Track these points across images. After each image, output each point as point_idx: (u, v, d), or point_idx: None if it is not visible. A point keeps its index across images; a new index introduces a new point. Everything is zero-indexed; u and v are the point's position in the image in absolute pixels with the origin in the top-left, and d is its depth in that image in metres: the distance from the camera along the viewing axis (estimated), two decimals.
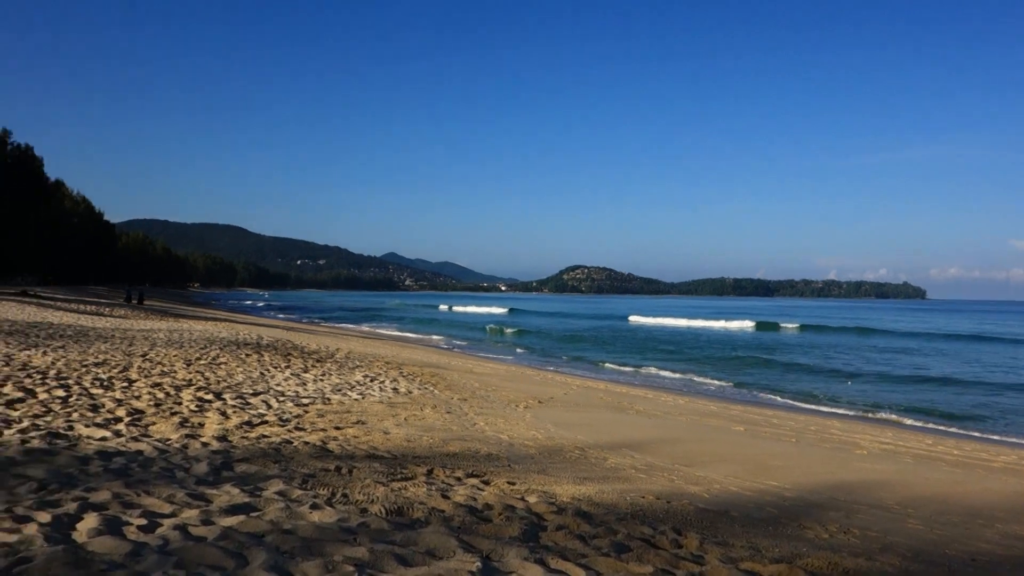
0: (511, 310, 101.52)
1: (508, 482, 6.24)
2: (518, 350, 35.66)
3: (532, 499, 5.62)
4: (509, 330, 52.19)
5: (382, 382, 13.99)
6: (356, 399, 11.37)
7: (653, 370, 26.67)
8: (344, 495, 5.20)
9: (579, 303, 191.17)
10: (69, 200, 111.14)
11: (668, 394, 18.52)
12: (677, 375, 25.41)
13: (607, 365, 28.43)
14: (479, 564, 3.75)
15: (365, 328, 52.88)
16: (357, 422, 9.11)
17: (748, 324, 68.49)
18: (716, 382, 23.63)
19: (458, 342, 40.77)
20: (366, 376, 14.70)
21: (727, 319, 75.71)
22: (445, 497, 5.34)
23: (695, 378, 24.55)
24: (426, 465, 6.69)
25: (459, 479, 6.20)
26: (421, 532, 4.31)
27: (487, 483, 6.13)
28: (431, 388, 13.86)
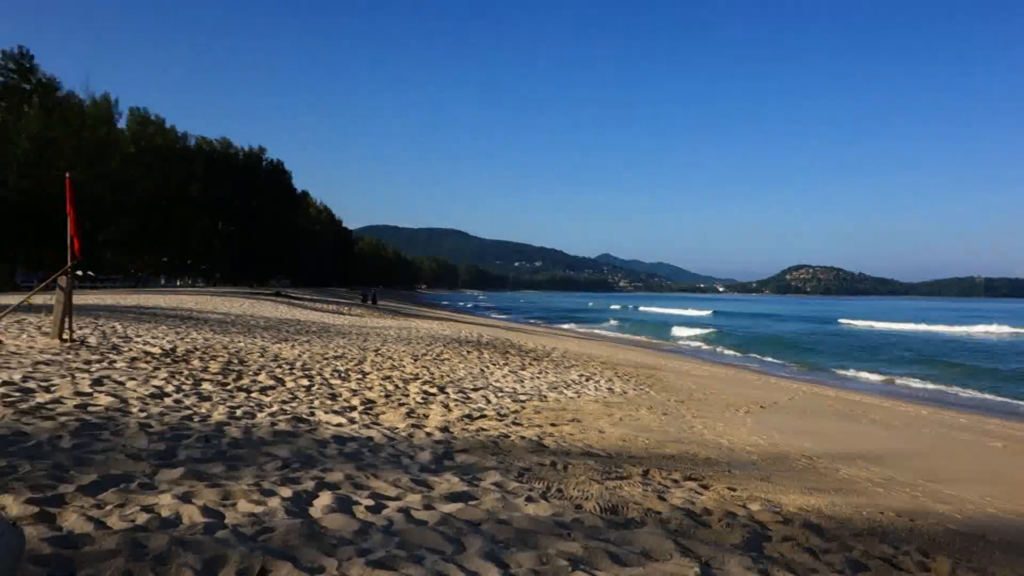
0: (714, 312, 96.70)
1: (728, 488, 5.92)
2: (734, 353, 34.24)
3: (755, 507, 5.28)
4: (710, 332, 50.28)
5: (597, 381, 13.96)
6: (572, 397, 11.42)
7: (891, 378, 24.45)
8: (559, 490, 5.18)
9: (794, 305, 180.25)
10: (314, 209, 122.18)
11: (908, 403, 16.87)
12: (917, 383, 23.12)
13: (839, 372, 26.49)
14: (697, 570, 3.54)
15: (580, 329, 53.39)
16: (572, 420, 9.12)
17: (1004, 330, 60.97)
18: (968, 392, 21.21)
19: (669, 344, 39.95)
20: (581, 375, 14.75)
21: (972, 323, 67.98)
22: (661, 499, 5.16)
23: (941, 387, 22.19)
24: (642, 466, 6.52)
25: (676, 481, 5.97)
26: (636, 532, 4.17)
27: (706, 487, 5.86)
28: (646, 389, 13.62)
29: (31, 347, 10.44)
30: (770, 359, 31.09)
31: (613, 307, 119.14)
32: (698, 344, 40.26)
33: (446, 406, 9.13)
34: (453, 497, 4.65)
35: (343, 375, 11.15)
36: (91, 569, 2.98)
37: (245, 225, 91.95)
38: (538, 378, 13.52)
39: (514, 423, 8.42)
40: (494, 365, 14.98)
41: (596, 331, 50.52)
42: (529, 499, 4.75)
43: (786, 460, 7.81)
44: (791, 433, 9.94)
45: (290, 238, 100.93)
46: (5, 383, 7.35)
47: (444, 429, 7.49)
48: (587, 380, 13.98)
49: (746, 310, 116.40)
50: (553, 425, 8.54)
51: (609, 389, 12.91)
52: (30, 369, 8.42)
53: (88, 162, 67.74)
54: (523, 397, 10.84)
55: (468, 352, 17.23)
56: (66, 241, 11.49)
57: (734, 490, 5.85)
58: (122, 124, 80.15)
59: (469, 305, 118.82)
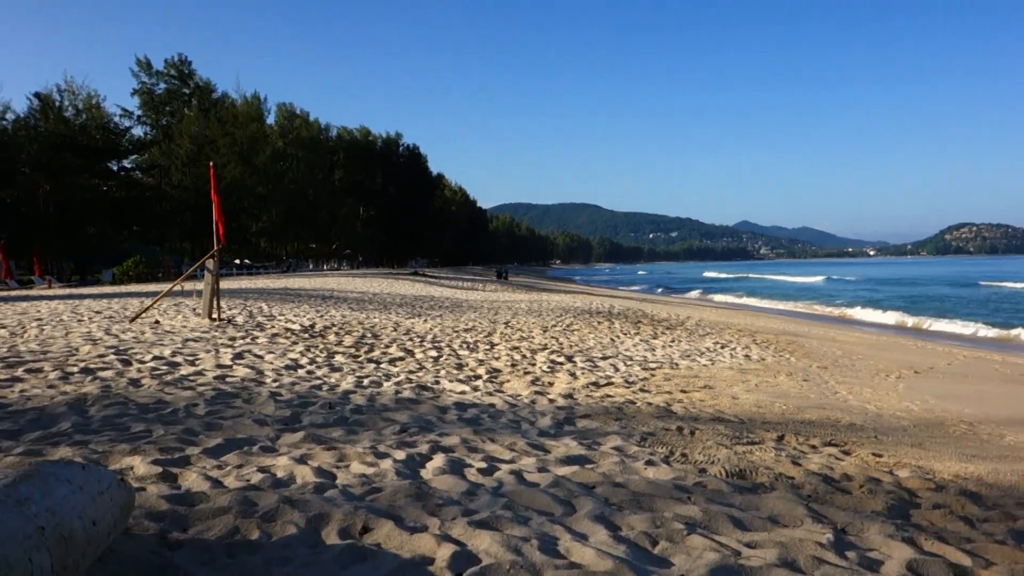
0: (827, 279, 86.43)
1: (873, 453, 5.44)
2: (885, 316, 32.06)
3: (903, 473, 4.81)
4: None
5: (733, 348, 13.39)
6: (705, 365, 10.99)
7: None
8: (683, 455, 4.92)
9: (953, 266, 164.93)
10: (449, 190, 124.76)
11: None
12: None
13: (1011, 333, 24.21)
14: (830, 536, 3.22)
15: (714, 298, 51.78)
16: (704, 387, 8.75)
17: None
18: None
19: (804, 311, 37.91)
20: (716, 343, 14.21)
21: None
22: (795, 464, 4.79)
23: None
24: (776, 431, 6.12)
25: (814, 447, 5.56)
26: (764, 497, 3.87)
27: (847, 453, 5.41)
28: (787, 355, 12.93)
29: (184, 326, 11.15)
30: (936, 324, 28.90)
31: (749, 276, 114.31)
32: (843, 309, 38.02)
33: (572, 374, 8.98)
34: (569, 460, 4.50)
35: (471, 346, 11.23)
36: (202, 525, 3.04)
37: (385, 209, 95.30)
38: (670, 347, 13.12)
39: (642, 390, 8.16)
40: (625, 335, 14.68)
41: (729, 299, 48.80)
42: (649, 463, 4.53)
43: (942, 426, 7.14)
44: (949, 398, 9.12)
45: (427, 220, 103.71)
46: (156, 358, 7.85)
47: (568, 396, 7.35)
48: (722, 348, 13.44)
49: (894, 275, 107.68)
50: (683, 392, 8.21)
51: (746, 356, 12.34)
52: (180, 345, 8.97)
53: (241, 157, 72.18)
54: (653, 365, 10.53)
55: (599, 323, 17.00)
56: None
57: (880, 456, 5.37)
58: (270, 120, 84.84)
59: (602, 278, 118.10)
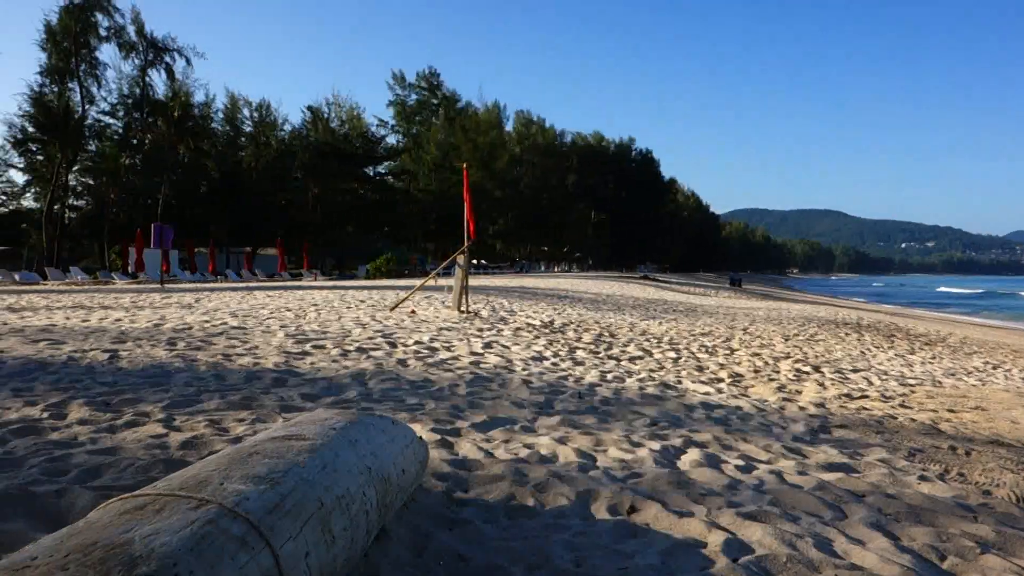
0: None
1: None
2: None
3: None
4: None
5: (1008, 370, 11.97)
6: (974, 384, 9.94)
7: None
8: (960, 474, 4.51)
9: None
10: (681, 195, 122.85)
11: None
12: None
13: None
14: None
15: (976, 318, 46.34)
16: (976, 407, 7.92)
17: None
18: None
19: None
20: (986, 363, 12.78)
21: None
22: None
23: None
24: None
25: None
26: None
27: None
28: None
29: (436, 316, 11.99)
30: None
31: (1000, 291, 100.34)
32: None
33: (821, 384, 8.52)
34: (830, 467, 4.30)
35: (710, 350, 11.01)
36: (481, 488, 3.29)
37: (615, 214, 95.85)
38: (930, 363, 12.00)
39: (902, 406, 7.56)
40: (876, 348, 13.64)
41: (998, 320, 43.39)
42: (923, 478, 4.21)
43: None
44: None
45: (657, 225, 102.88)
46: (416, 343, 8.54)
47: (819, 405, 6.99)
48: (994, 368, 12.05)
49: None
50: (951, 411, 7.49)
51: None
52: (435, 333, 9.67)
53: (481, 163, 76.00)
54: (912, 381, 9.69)
55: (846, 334, 15.93)
56: (463, 227, 12.99)
57: None
58: (509, 127, 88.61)
59: (847, 289, 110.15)
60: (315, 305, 13.20)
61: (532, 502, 3.14)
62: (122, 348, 7.12)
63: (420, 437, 3.03)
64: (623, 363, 8.83)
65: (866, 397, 7.90)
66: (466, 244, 12.97)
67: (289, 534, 1.72)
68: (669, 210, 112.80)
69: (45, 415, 4.25)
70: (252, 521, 1.63)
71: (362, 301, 14.69)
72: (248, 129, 71.94)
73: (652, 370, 8.43)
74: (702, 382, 7.85)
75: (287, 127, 73.17)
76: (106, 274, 40.51)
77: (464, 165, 13.46)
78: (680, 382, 7.70)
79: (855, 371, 10.16)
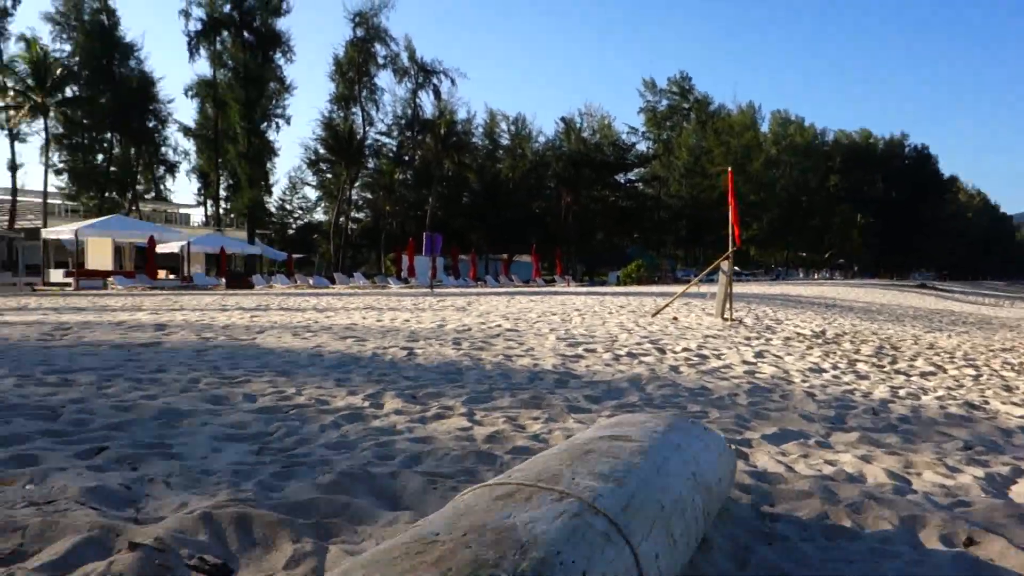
0: None
1: None
2: None
3: None
4: None
5: None
6: None
7: None
8: None
9: None
10: (964, 195, 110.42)
11: None
12: None
13: None
14: None
15: None
16: None
17: None
18: None
19: None
20: None
21: None
22: None
23: None
24: None
25: None
26: None
27: None
28: None
29: (698, 324, 11.77)
30: None
31: None
32: None
33: None
34: None
35: (1016, 368, 9.71)
36: (788, 503, 3.15)
37: (884, 216, 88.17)
38: None
39: None
40: None
41: None
42: None
43: None
44: None
45: (933, 227, 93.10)
46: (685, 349, 8.43)
47: None
48: None
49: None
50: None
51: None
52: (701, 340, 9.49)
53: (735, 165, 73.69)
54: None
55: None
56: (726, 232, 12.63)
57: None
58: (764, 128, 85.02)
59: None
60: (577, 310, 13.52)
61: (849, 523, 2.94)
62: (416, 346, 7.79)
63: (730, 446, 2.97)
64: (913, 378, 8.06)
65: None
66: (730, 249, 12.60)
67: (642, 534, 1.75)
68: (948, 211, 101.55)
69: (366, 404, 4.75)
70: (611, 517, 1.68)
71: (621, 307, 14.81)
72: (505, 142, 75.76)
73: (950, 388, 7.61)
74: (1015, 403, 6.94)
75: (541, 139, 76.00)
76: (382, 279, 44.68)
77: (728, 169, 13.10)
78: (987, 402, 6.86)
79: None
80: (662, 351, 8.18)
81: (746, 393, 5.93)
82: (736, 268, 73.28)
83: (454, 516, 1.61)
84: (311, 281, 40.76)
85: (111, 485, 2.97)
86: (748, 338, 10.27)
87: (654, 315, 12.70)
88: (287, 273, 43.10)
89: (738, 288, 30.68)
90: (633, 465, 2.06)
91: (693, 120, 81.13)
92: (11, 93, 51.67)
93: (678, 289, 18.79)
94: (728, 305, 12.44)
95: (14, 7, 54.49)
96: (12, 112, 51.49)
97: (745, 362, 7.90)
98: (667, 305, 13.77)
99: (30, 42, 53.11)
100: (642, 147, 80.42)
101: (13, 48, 54.23)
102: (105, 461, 3.37)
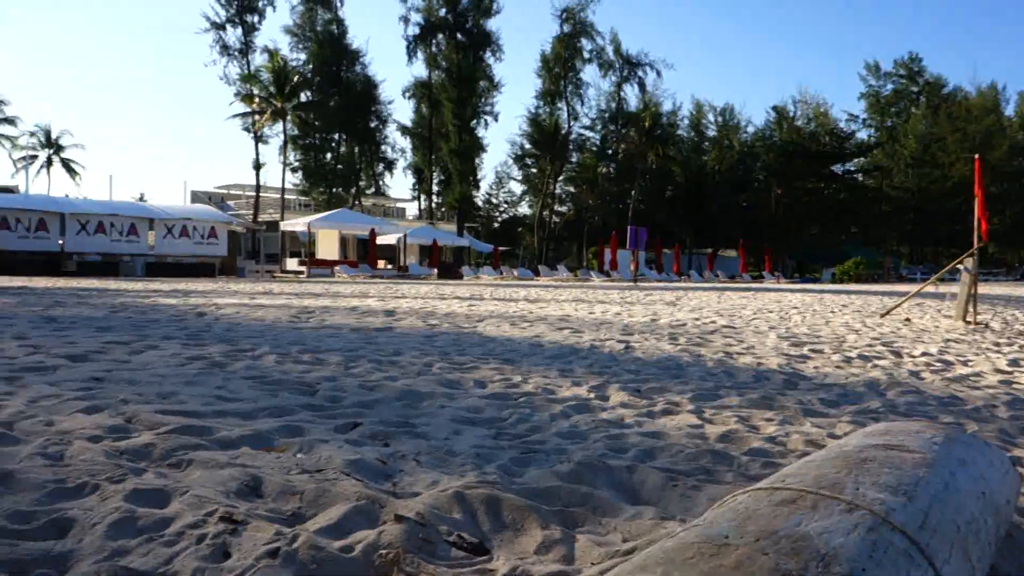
0: None
1: None
2: None
3: None
4: None
5: None
6: None
7: None
8: None
9: None
10: None
11: None
12: None
13: None
14: None
15: None
16: None
17: None
18: None
19: None
20: None
21: None
22: None
23: None
24: None
25: None
26: None
27: None
28: None
29: (935, 326, 10.75)
30: None
31: None
32: None
33: None
34: None
35: None
36: None
37: None
38: None
39: None
40: None
41: None
42: None
43: None
44: None
45: None
46: (924, 354, 7.73)
47: None
48: None
49: None
50: None
51: None
52: (942, 344, 8.65)
53: (972, 154, 66.70)
54: None
55: None
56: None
57: None
58: (1008, 111, 76.12)
59: None
60: (795, 308, 12.84)
61: None
62: (631, 340, 7.74)
63: (1015, 465, 2.66)
64: None
65: None
66: (975, 245, 11.38)
67: (943, 557, 1.60)
68: None
69: (591, 395, 4.78)
70: (910, 536, 1.54)
71: (843, 306, 13.87)
72: (711, 134, 73.63)
73: None
74: None
75: (750, 129, 73.04)
76: (585, 272, 45.01)
77: (976, 157, 11.84)
78: None
79: None
80: (898, 355, 7.55)
81: (1005, 405, 5.31)
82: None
83: (737, 518, 1.55)
84: (516, 272, 41.97)
85: (368, 459, 3.19)
86: (998, 344, 9.22)
87: (883, 315, 11.75)
88: (493, 265, 44.68)
89: (980, 288, 27.76)
90: (921, 478, 1.89)
91: (923, 104, 74.25)
92: (256, 100, 57.63)
93: (903, 288, 17.26)
94: (971, 307, 11.26)
95: (259, 23, 60.77)
96: (257, 117, 57.41)
97: (998, 370, 7.09)
98: (898, 305, 12.70)
99: (272, 53, 59.02)
100: (863, 135, 74.92)
101: (258, 59, 60.50)
102: (360, 436, 3.63)
